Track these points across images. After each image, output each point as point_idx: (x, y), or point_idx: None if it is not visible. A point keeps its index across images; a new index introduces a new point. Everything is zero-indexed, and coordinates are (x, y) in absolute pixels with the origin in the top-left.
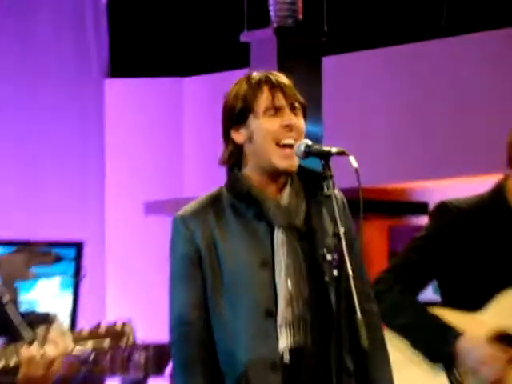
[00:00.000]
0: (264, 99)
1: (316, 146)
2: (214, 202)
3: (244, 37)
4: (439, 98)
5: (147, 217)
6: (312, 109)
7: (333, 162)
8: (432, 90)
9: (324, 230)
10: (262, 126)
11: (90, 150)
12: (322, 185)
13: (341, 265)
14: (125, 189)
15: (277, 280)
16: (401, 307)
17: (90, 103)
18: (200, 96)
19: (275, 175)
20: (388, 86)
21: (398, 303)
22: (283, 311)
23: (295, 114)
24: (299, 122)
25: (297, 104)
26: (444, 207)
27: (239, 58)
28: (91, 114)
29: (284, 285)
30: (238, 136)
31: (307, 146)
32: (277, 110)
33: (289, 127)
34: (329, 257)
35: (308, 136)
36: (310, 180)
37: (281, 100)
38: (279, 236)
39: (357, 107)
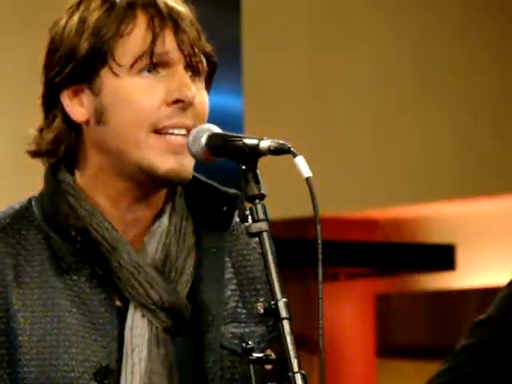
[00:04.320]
0: (136, 40)
1: (231, 137)
2: (12, 229)
3: None
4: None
5: None
6: (225, 66)
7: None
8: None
9: (230, 307)
10: (128, 95)
11: None
12: (243, 213)
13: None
14: None
15: None
16: None
17: None
18: None
19: (145, 190)
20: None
21: None
22: None
23: (196, 80)
24: (202, 96)
25: (199, 59)
26: None
27: None
28: None
29: None
30: (76, 108)
31: (213, 137)
32: (159, 66)
33: (182, 104)
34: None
35: (216, 113)
36: (211, 206)
37: (170, 46)
38: (136, 323)
39: (305, 63)
